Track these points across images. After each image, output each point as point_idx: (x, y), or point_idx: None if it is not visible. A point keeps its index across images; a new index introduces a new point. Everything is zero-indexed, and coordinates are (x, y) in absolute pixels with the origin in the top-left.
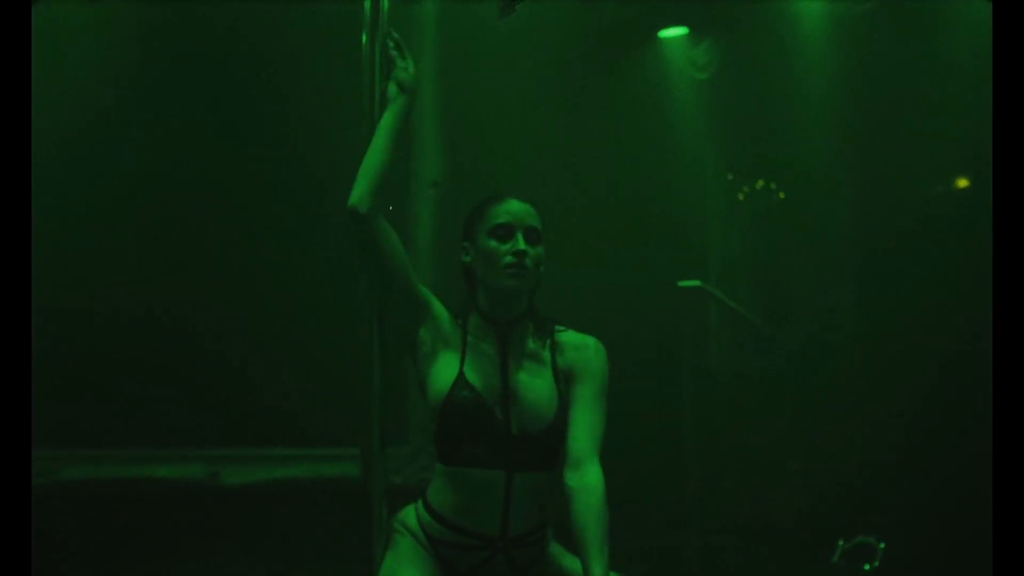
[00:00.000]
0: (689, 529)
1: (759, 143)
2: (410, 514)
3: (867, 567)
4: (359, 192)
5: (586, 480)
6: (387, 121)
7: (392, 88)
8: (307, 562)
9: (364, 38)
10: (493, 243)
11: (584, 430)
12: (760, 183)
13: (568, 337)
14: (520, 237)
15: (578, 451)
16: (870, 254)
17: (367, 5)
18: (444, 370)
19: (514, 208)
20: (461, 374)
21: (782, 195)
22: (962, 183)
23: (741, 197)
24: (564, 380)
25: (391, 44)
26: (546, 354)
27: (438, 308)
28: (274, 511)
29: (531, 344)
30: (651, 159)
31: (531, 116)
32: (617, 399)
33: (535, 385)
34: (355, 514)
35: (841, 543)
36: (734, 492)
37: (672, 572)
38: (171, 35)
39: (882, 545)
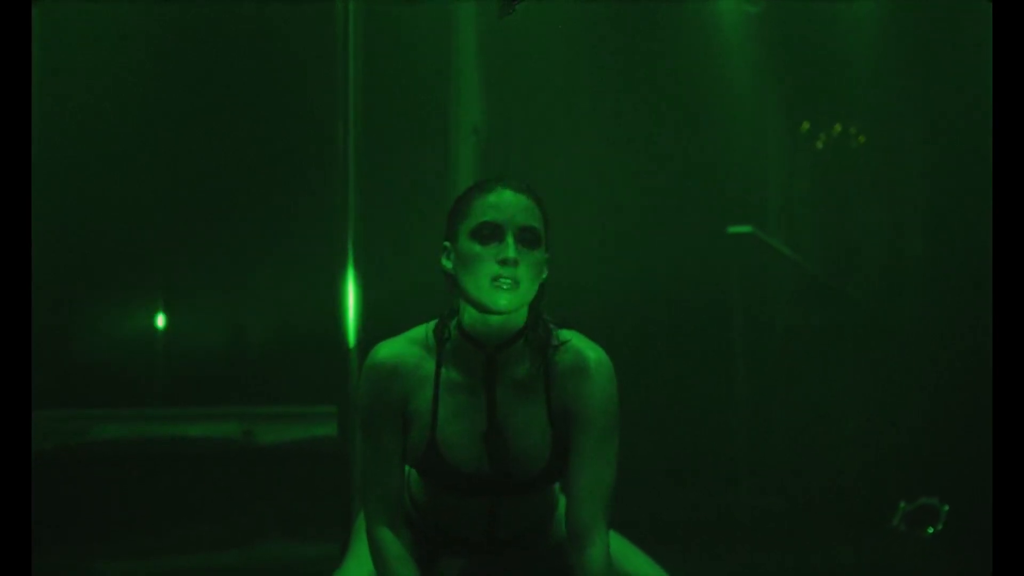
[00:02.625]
0: (740, 489)
1: (816, 79)
2: None
3: (930, 531)
4: None
5: (589, 559)
6: None
7: None
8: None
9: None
10: (476, 247)
11: (587, 492)
12: (819, 123)
13: (566, 358)
14: (510, 240)
15: (580, 521)
16: (941, 200)
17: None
18: (416, 433)
19: (505, 201)
20: (433, 439)
21: (846, 136)
22: None
23: (799, 138)
24: (561, 417)
25: None
26: (540, 384)
27: (404, 384)
28: (310, 470)
29: (523, 371)
30: (702, 98)
31: (576, 57)
32: (665, 352)
33: (525, 428)
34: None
35: (902, 505)
36: (788, 450)
37: (721, 534)
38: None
39: (946, 508)
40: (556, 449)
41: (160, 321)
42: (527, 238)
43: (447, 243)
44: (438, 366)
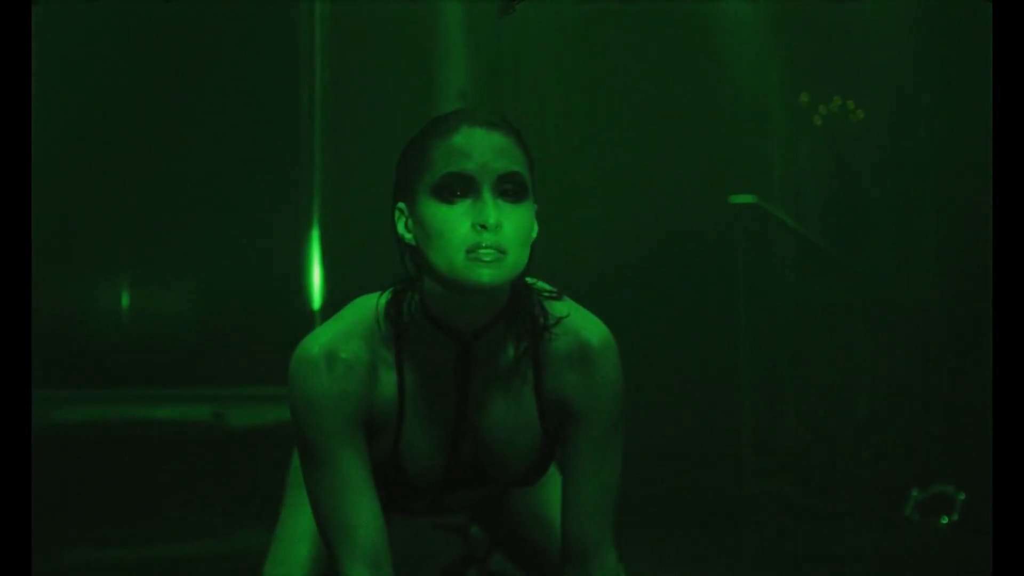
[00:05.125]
0: (744, 473)
1: (824, 53)
2: None
3: (945, 520)
4: None
5: None
6: None
7: None
8: None
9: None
10: (441, 209)
11: (592, 506)
12: (823, 96)
13: (561, 342)
14: (488, 195)
15: (584, 539)
16: (955, 174)
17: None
18: (379, 445)
19: (476, 143)
20: (395, 451)
21: (854, 110)
22: None
23: (803, 109)
24: (552, 410)
25: None
26: (528, 375)
27: (363, 386)
28: (284, 454)
29: (507, 360)
30: (705, 65)
31: (571, 21)
32: (666, 328)
33: (508, 431)
34: None
35: (915, 493)
36: (795, 433)
37: (724, 520)
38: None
39: (962, 496)
40: (544, 453)
41: (125, 299)
42: (509, 189)
43: (401, 205)
44: (398, 360)
